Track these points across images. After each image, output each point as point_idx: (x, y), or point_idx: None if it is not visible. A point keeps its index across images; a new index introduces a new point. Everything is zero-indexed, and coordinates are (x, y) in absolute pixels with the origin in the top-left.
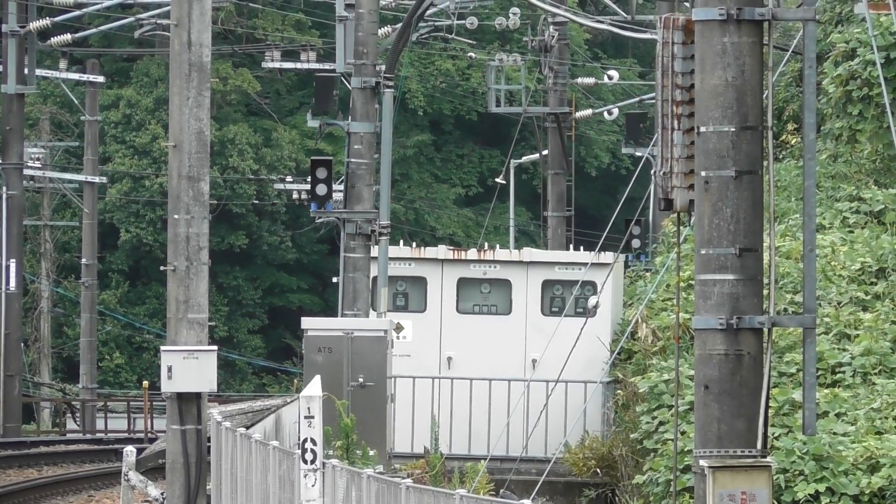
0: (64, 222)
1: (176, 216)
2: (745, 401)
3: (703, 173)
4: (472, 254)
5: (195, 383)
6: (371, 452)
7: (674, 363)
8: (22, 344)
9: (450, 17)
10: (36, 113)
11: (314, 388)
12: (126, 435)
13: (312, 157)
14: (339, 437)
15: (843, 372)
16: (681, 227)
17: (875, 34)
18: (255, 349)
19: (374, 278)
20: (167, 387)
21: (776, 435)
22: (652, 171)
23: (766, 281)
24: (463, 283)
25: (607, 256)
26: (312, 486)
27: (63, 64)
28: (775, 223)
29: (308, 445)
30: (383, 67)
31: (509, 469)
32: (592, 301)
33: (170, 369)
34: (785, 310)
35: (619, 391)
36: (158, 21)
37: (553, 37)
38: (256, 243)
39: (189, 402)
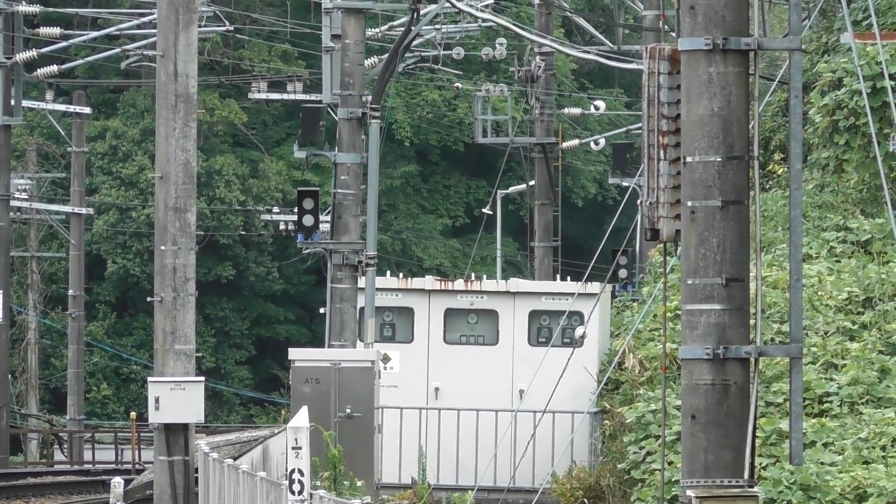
0: (51, 253)
1: (163, 247)
2: (732, 431)
3: (689, 203)
4: (458, 284)
5: (182, 414)
6: (358, 483)
7: (661, 393)
8: (9, 375)
9: (436, 47)
10: (22, 144)
11: (301, 418)
12: (114, 466)
13: (299, 188)
14: (326, 467)
15: (831, 402)
16: (667, 257)
17: (861, 64)
18: (243, 380)
19: (362, 309)
20: (154, 418)
21: (763, 465)
22: (638, 201)
23: (752, 311)
24: (450, 313)
25: (594, 287)
26: None
27: (49, 95)
28: (762, 253)
29: (295, 476)
30: (370, 98)
31: (497, 499)
32: (579, 331)
33: (157, 400)
34: (772, 339)
35: (606, 421)
36: (145, 52)
37: (539, 67)
38: (243, 274)
39: (176, 433)
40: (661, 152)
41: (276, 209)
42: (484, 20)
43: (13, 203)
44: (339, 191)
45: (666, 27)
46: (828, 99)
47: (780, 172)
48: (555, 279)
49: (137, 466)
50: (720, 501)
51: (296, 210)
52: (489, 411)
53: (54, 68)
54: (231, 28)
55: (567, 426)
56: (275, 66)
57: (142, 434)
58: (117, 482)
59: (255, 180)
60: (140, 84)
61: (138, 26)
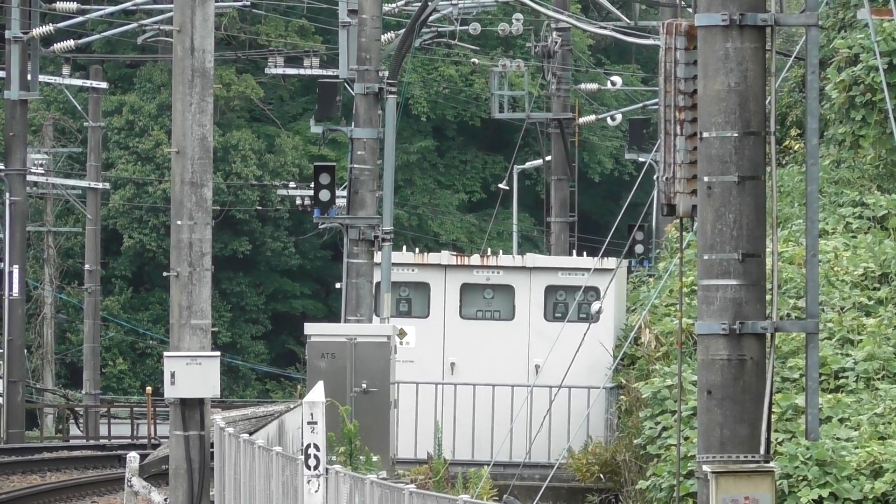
0: (67, 228)
1: (179, 222)
2: (748, 406)
3: (705, 179)
4: (475, 259)
5: (198, 389)
6: (374, 458)
7: (677, 368)
8: (25, 350)
9: (453, 22)
10: (39, 119)
11: (317, 393)
12: (129, 441)
13: (315, 163)
14: (342, 442)
15: (847, 377)
16: (683, 233)
17: (878, 40)
18: (259, 355)
19: (378, 284)
20: (170, 392)
21: (779, 440)
22: (655, 177)
23: (768, 286)
24: (466, 288)
25: (610, 262)
26: (316, 491)
27: (66, 70)
28: (778, 228)
29: (311, 451)
30: (386, 73)
31: (512, 475)
32: (595, 306)
33: (173, 375)
34: (788, 315)
35: (622, 396)
36: (161, 27)
37: (556, 42)
38: (260, 249)
39: (192, 408)
40: (678, 128)
41: (292, 184)
42: None
43: (30, 178)
44: (355, 166)
45: (683, 3)
46: (844, 75)
47: (796, 148)
48: (571, 254)
49: (153, 441)
50: (736, 477)
51: (312, 185)
52: (505, 386)
53: (71, 43)
54: (248, 3)
55: (583, 401)
56: (291, 42)
57: (157, 409)
58: (133, 457)
59: (271, 155)
60: (156, 59)
61: (154, 1)
